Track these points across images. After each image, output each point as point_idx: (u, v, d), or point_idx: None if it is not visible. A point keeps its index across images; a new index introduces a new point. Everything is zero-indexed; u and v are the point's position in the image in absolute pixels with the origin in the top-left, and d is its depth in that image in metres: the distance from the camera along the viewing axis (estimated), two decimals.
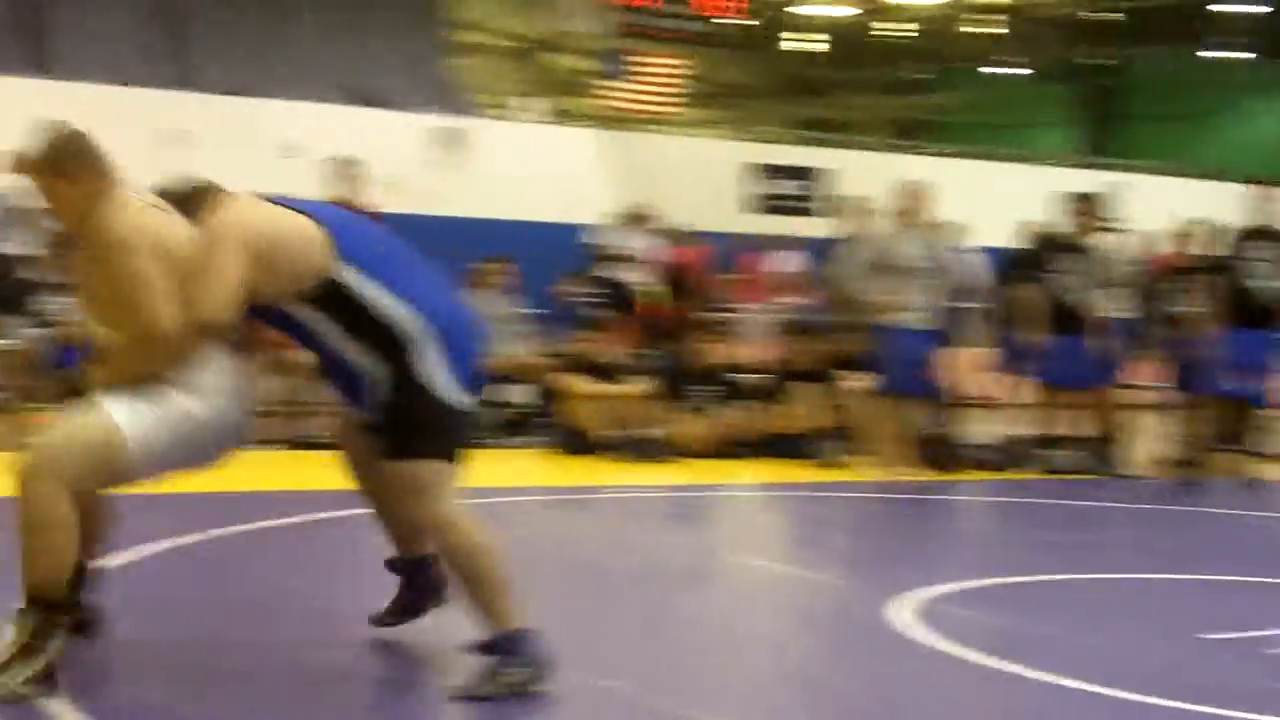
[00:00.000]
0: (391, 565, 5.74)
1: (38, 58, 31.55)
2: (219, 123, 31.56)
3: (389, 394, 5.04)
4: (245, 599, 6.48)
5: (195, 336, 4.88)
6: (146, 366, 4.88)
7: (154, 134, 30.69)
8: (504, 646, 5.02)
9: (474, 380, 5.20)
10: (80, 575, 5.20)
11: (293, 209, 5.17)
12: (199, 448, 5.01)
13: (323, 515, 8.69)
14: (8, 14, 31.69)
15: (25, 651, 4.70)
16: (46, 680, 4.72)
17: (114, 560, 6.51)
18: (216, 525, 7.98)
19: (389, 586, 5.80)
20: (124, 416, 4.80)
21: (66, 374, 11.76)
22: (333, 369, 5.19)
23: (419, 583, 5.72)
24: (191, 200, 5.17)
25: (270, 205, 5.19)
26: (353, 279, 5.01)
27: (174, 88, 32.25)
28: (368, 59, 34.82)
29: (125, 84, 31.40)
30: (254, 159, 31.60)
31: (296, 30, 34.24)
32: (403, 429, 5.05)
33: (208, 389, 4.96)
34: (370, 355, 5.03)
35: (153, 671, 5.25)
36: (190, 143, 31.22)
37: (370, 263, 5.09)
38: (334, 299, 5.00)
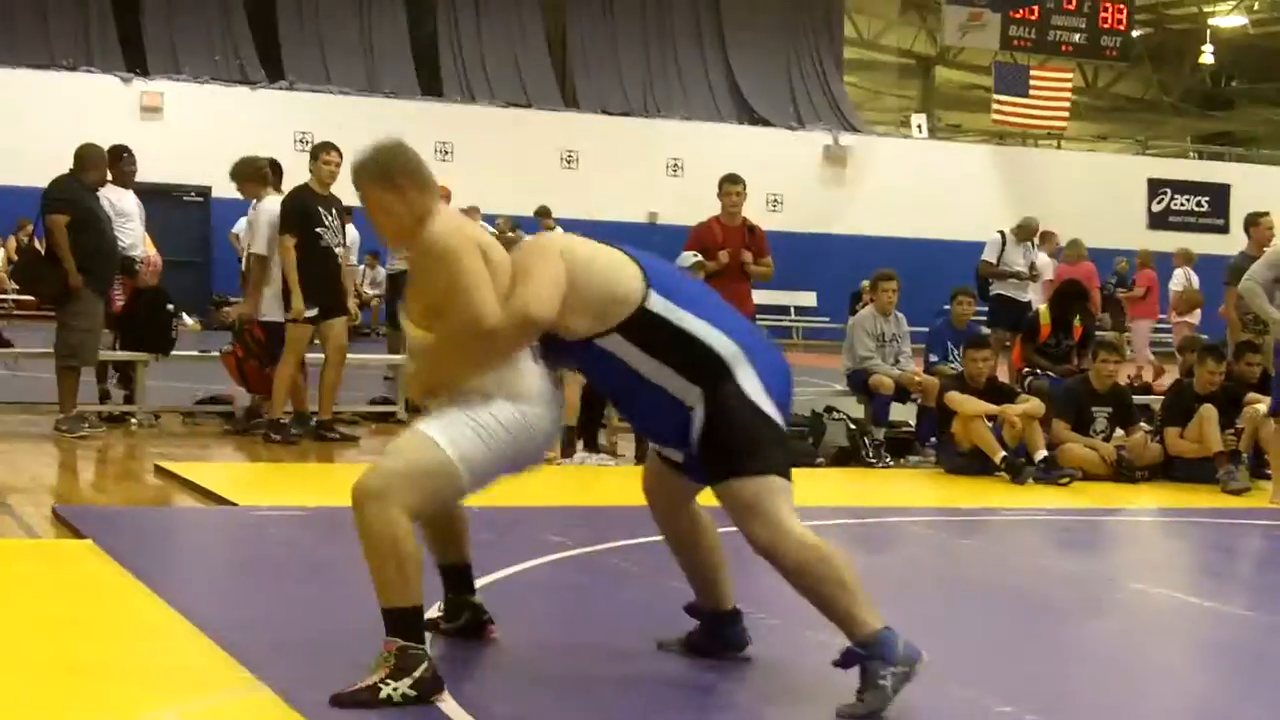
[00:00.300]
0: (692, 611, 5.61)
1: (434, 83, 32.66)
2: (608, 141, 32.23)
3: (707, 418, 4.99)
4: (624, 611, 6.47)
5: (518, 333, 4.90)
6: (470, 364, 4.94)
7: (549, 154, 31.60)
8: (875, 650, 4.89)
9: (783, 412, 5.13)
10: (462, 574, 5.42)
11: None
12: (519, 456, 5.06)
13: None
14: (408, 46, 32.85)
15: (401, 664, 4.78)
16: (433, 682, 4.79)
17: (499, 572, 6.63)
18: (599, 540, 8.01)
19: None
20: (450, 441, 4.87)
21: None
22: (642, 406, 5.18)
23: (722, 635, 5.59)
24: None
25: (584, 238, 5.24)
26: (664, 306, 5.00)
27: (566, 109, 33.06)
28: (758, 77, 35.06)
29: (528, 106, 32.34)
30: (643, 177, 32.19)
31: (687, 49, 34.67)
32: (728, 449, 4.99)
33: (524, 393, 5.00)
34: (687, 380, 5.01)
35: (537, 681, 5.26)
36: (580, 161, 32.01)
37: (681, 294, 5.11)
38: (647, 326, 4.99)
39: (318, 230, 11.77)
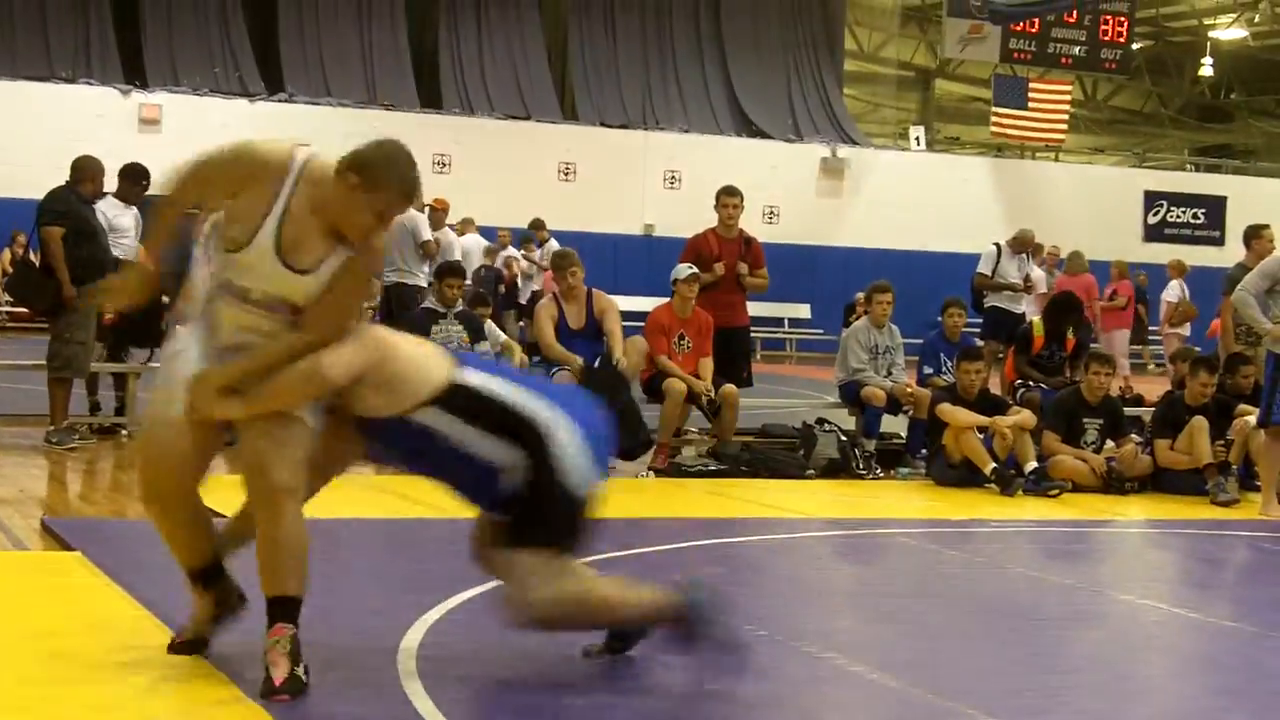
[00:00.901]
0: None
1: (434, 95, 32.69)
2: (606, 153, 32.25)
3: (523, 481, 5.21)
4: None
5: (305, 379, 5.10)
6: (287, 372, 5.09)
7: (547, 166, 31.62)
8: (690, 614, 5.32)
9: (601, 461, 5.40)
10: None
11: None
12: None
13: (691, 544, 8.72)
14: (408, 58, 32.87)
15: (296, 649, 5.04)
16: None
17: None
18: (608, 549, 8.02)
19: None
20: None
21: None
22: (458, 474, 5.31)
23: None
24: None
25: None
26: (479, 379, 5.25)
27: (565, 121, 33.09)
28: (757, 89, 35.05)
29: (527, 118, 32.37)
30: (640, 189, 32.23)
31: (687, 62, 34.67)
32: (529, 518, 5.23)
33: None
34: (502, 444, 5.19)
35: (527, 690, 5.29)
36: (577, 173, 32.03)
37: (496, 372, 5.42)
38: (459, 398, 5.18)
39: None
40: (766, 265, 13.18)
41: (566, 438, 5.21)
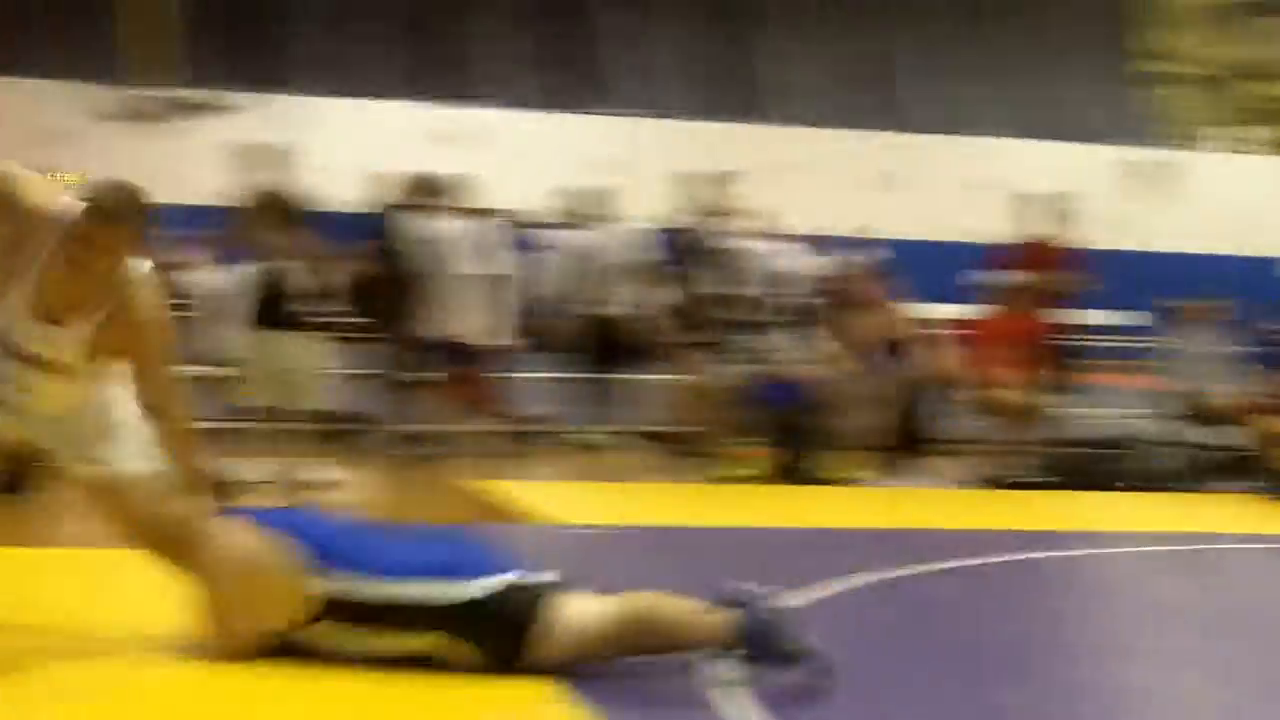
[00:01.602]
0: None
1: (749, 104, 32.80)
2: (917, 162, 31.97)
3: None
4: (947, 639, 6.39)
5: None
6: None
7: (869, 174, 31.53)
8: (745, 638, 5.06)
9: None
10: None
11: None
12: None
13: (1008, 557, 8.57)
14: (729, 68, 33.06)
15: None
16: None
17: (816, 593, 6.62)
18: (911, 562, 7.94)
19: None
20: None
21: (778, 410, 12.13)
22: None
23: None
24: None
25: None
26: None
27: (878, 129, 32.89)
28: (1061, 92, 34.34)
29: (848, 127, 32.29)
30: (949, 196, 31.88)
31: (993, 66, 34.16)
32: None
33: None
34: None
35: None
36: (893, 183, 31.83)
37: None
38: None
39: None
40: (1073, 270, 12.97)
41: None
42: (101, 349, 5.12)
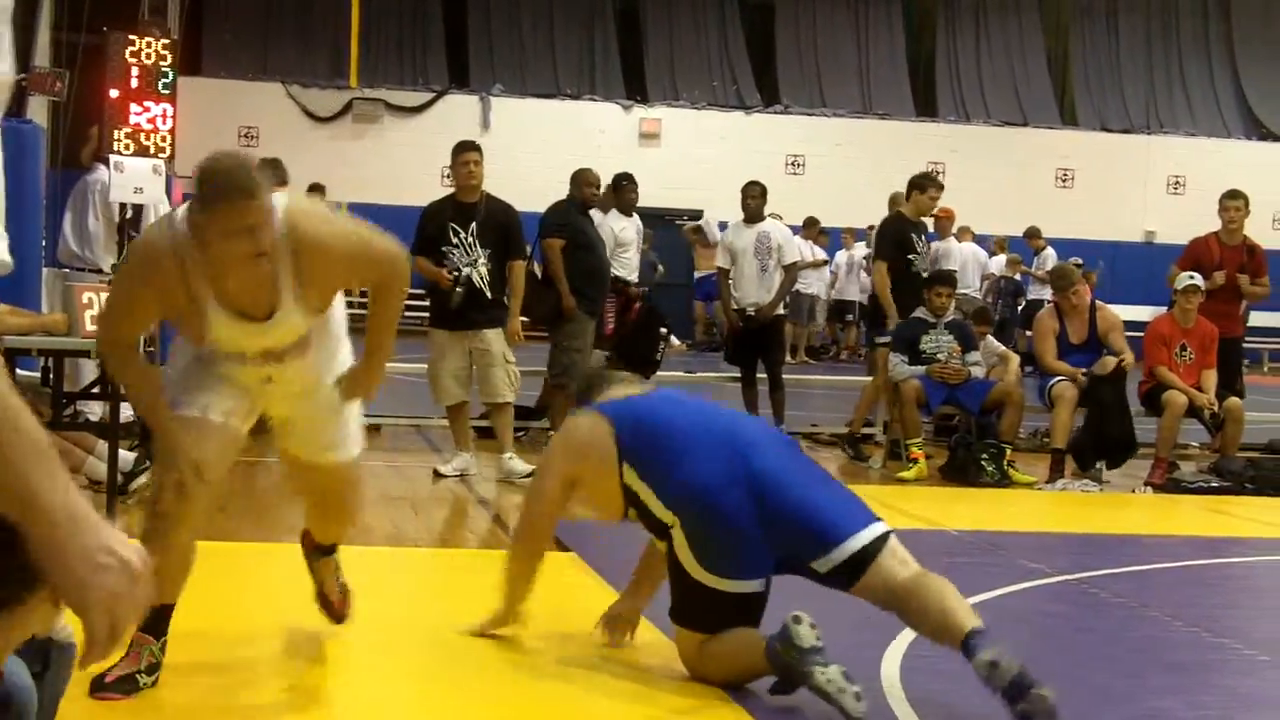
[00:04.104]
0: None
1: (929, 103, 32.53)
2: (1106, 158, 31.45)
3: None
4: (1095, 641, 6.29)
5: None
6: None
7: (1044, 172, 31.09)
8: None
9: (753, 556, 5.17)
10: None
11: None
12: None
13: (1187, 563, 8.42)
14: (904, 67, 32.80)
15: (156, 662, 4.98)
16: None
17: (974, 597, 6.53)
18: (1100, 565, 7.84)
19: None
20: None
21: (961, 411, 12.04)
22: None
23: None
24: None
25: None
26: (632, 478, 5.39)
27: (1064, 126, 32.42)
28: (1269, 89, 33.52)
29: (1024, 124, 31.89)
30: (1142, 194, 31.29)
31: (1193, 63, 33.45)
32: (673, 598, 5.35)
33: None
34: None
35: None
36: (1075, 179, 31.36)
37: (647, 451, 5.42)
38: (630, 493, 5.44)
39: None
40: (1269, 274, 12.71)
41: (700, 522, 5.18)
42: (314, 300, 4.86)
